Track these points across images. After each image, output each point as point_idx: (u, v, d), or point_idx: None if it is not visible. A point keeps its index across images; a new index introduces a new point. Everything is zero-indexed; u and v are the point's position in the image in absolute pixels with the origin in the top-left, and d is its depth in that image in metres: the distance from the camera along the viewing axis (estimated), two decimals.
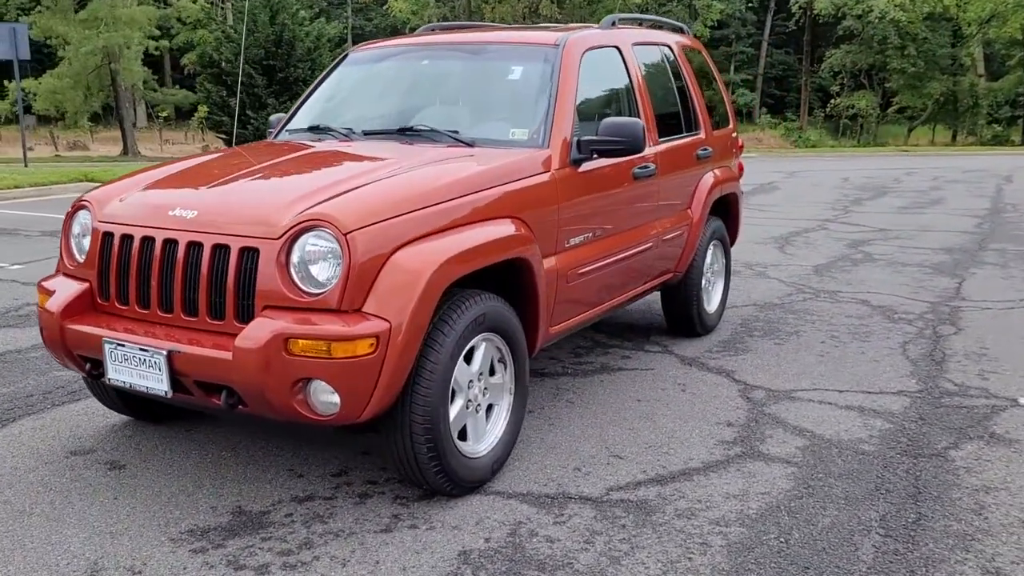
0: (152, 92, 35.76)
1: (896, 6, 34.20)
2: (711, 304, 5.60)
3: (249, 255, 2.98)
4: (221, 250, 3.02)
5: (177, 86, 39.33)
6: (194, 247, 3.08)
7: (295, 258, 2.94)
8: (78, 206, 3.52)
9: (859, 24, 36.36)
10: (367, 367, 2.85)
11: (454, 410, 3.20)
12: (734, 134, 5.86)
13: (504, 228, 3.40)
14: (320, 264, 2.94)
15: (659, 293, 5.33)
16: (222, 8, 35.64)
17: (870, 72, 39.26)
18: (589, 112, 4.16)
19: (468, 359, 3.26)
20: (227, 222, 3.07)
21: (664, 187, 4.73)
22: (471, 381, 3.30)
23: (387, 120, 4.19)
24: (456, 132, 3.90)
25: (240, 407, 3.01)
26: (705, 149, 5.23)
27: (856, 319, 5.94)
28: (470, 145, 3.81)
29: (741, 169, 5.95)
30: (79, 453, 3.71)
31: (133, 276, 3.20)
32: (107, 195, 3.49)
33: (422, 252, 3.03)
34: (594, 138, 3.88)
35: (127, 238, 3.25)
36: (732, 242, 5.90)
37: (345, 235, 2.88)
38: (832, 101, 39.52)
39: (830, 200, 13.43)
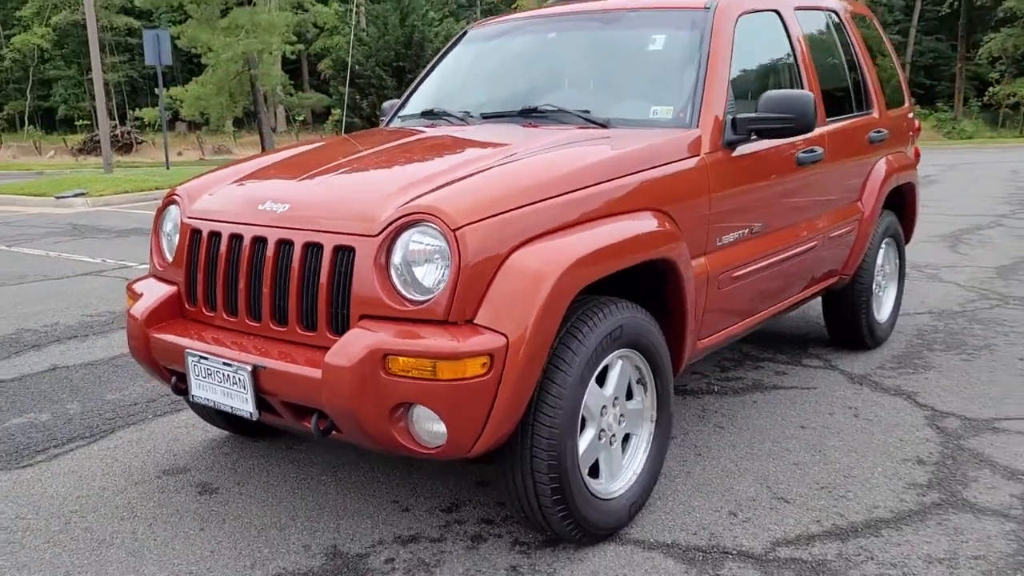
0: (288, 96, 36.87)
1: None
2: (882, 312, 4.82)
3: (344, 255, 2.53)
4: (313, 249, 2.60)
5: (313, 91, 40.50)
6: (285, 246, 2.67)
7: (396, 258, 2.48)
8: (168, 200, 3.19)
9: (1023, 5, 33.40)
10: (479, 391, 2.35)
11: (584, 442, 2.66)
12: (910, 114, 5.05)
13: (645, 223, 2.83)
14: (426, 266, 2.46)
15: (819, 299, 4.61)
16: (356, 13, 36.34)
17: None
18: (744, 87, 3.52)
19: (601, 381, 2.71)
20: (320, 217, 2.64)
21: (832, 175, 4.03)
22: (604, 407, 2.75)
23: (509, 101, 3.66)
24: (587, 112, 3.34)
25: (334, 433, 2.58)
26: (879, 131, 4.47)
27: None
28: (603, 126, 3.25)
29: (918, 155, 5.13)
30: (172, 472, 3.38)
31: (220, 278, 2.83)
32: (198, 188, 3.14)
33: (546, 252, 2.50)
34: (753, 115, 3.24)
35: (215, 235, 2.88)
36: (907, 240, 5.10)
37: (454, 231, 2.39)
38: (991, 89, 36.51)
39: (1002, 194, 12.07)
